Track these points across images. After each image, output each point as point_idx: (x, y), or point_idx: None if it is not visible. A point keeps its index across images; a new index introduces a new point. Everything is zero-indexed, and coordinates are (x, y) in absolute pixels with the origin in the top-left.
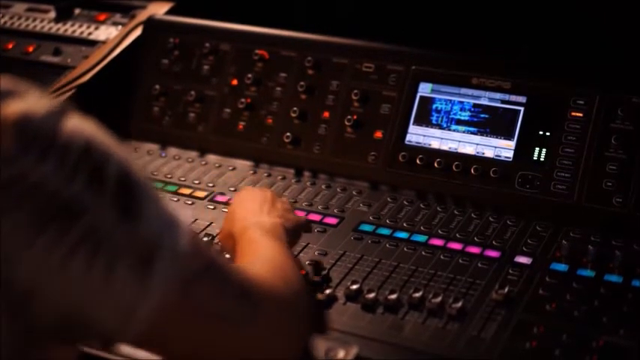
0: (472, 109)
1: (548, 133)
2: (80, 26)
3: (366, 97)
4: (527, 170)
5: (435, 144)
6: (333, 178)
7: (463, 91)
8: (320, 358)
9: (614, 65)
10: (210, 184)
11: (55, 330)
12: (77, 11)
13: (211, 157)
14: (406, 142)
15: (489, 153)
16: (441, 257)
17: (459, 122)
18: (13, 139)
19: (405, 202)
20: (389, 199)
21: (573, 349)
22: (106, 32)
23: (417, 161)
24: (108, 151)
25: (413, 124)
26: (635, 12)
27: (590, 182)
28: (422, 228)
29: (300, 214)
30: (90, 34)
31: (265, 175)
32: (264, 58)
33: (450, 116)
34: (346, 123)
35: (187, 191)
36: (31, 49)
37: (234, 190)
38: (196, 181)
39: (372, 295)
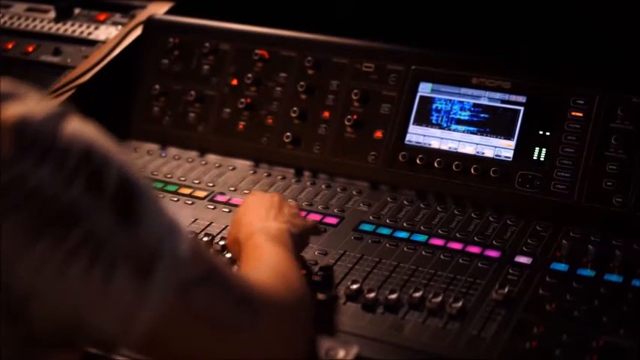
0: (472, 109)
1: (548, 133)
2: (80, 26)
3: (366, 97)
4: (527, 170)
5: (435, 144)
6: (333, 178)
7: (463, 90)
8: (320, 358)
9: (614, 65)
10: (210, 184)
11: (55, 335)
12: (77, 11)
13: (211, 157)
14: (406, 142)
15: (489, 153)
16: (441, 257)
17: (459, 122)
18: (11, 142)
19: (405, 202)
20: (389, 199)
21: (573, 349)
22: (106, 32)
23: (417, 161)
24: (108, 155)
25: (413, 123)
26: (635, 12)
27: (590, 182)
28: (422, 228)
29: (311, 216)
30: (90, 34)
31: (265, 175)
32: (264, 58)
33: (450, 116)
34: (346, 123)
35: (187, 191)
36: (30, 49)
37: (234, 190)
38: (196, 181)
39: (372, 295)
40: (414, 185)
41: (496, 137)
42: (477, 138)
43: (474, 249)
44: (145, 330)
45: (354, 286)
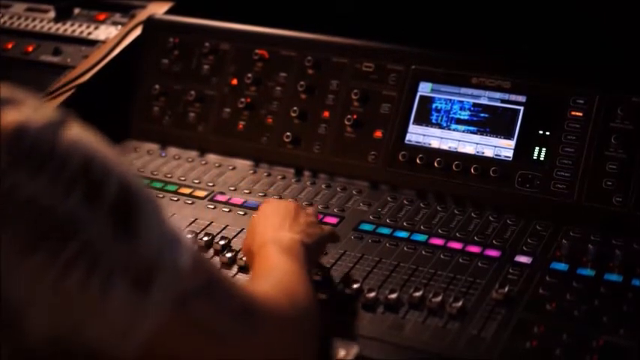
0: (472, 109)
1: (548, 133)
2: (80, 26)
3: (366, 96)
4: (527, 170)
5: (434, 143)
6: (333, 178)
7: (463, 90)
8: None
9: (614, 65)
10: (211, 184)
11: (51, 346)
12: (77, 11)
13: (211, 157)
14: (406, 142)
15: (489, 152)
16: (441, 256)
17: (459, 122)
18: (6, 151)
19: (405, 202)
20: (389, 199)
21: (573, 349)
22: (106, 32)
23: (417, 161)
24: (108, 165)
25: (413, 123)
26: (635, 12)
27: (590, 181)
28: (422, 227)
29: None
30: (90, 33)
31: (265, 174)
32: (264, 58)
33: (450, 116)
34: (346, 122)
35: (187, 191)
36: (30, 48)
37: (234, 190)
38: (196, 181)
39: (372, 295)
40: (414, 185)
41: (496, 137)
42: (476, 138)
43: (474, 248)
44: (143, 341)
45: (355, 286)
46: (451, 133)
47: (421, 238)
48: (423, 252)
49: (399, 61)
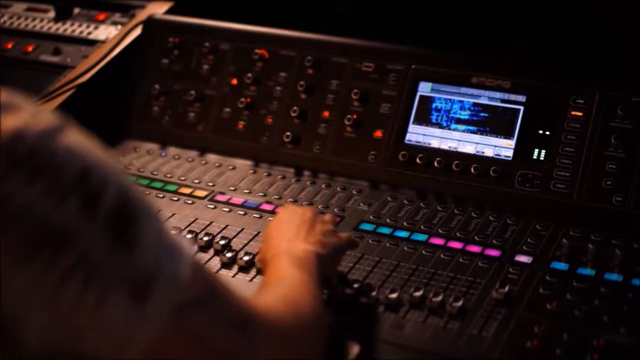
0: (472, 108)
1: (547, 132)
2: (80, 26)
3: (366, 96)
4: (527, 169)
5: (434, 143)
6: (333, 178)
7: (463, 90)
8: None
9: (614, 65)
10: (211, 184)
11: (49, 358)
12: (76, 11)
13: (211, 157)
14: (406, 142)
15: (489, 152)
16: (442, 256)
17: (459, 121)
18: (3, 158)
19: (405, 202)
20: (389, 199)
21: (574, 348)
22: (106, 32)
23: (417, 160)
24: (106, 174)
25: (413, 123)
26: (635, 12)
27: (590, 181)
28: (422, 227)
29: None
30: (89, 33)
31: (265, 174)
32: (264, 58)
33: (450, 115)
34: (346, 122)
35: (187, 191)
36: (30, 48)
37: (234, 190)
38: (196, 181)
39: (372, 294)
40: (414, 184)
41: (496, 136)
42: (476, 137)
43: (474, 248)
44: (141, 351)
45: (355, 286)
46: (451, 133)
47: (421, 237)
48: (424, 252)
49: (399, 61)
